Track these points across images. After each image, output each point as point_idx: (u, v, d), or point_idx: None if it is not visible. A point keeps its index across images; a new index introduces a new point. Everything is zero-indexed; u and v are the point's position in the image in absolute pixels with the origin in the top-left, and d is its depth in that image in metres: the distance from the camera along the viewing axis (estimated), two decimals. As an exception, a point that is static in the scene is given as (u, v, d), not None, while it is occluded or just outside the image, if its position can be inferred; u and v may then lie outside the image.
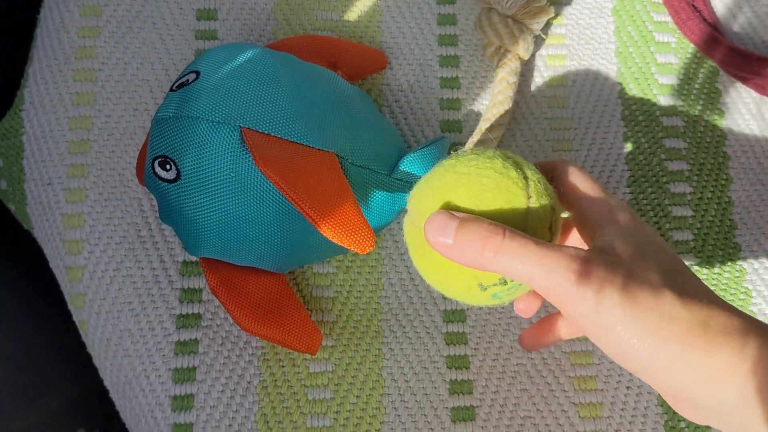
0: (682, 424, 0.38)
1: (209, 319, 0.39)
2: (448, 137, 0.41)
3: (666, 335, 0.24)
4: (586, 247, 0.28)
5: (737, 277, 0.41)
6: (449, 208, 0.27)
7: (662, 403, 0.39)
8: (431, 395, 0.38)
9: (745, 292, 0.40)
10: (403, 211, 0.41)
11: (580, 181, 0.30)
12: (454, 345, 0.39)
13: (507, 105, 0.41)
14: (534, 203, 0.28)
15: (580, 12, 0.45)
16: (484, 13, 0.42)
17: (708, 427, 0.38)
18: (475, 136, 0.40)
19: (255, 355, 0.38)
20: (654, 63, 0.45)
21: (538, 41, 0.45)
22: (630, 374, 0.39)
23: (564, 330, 0.33)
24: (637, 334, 0.25)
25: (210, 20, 0.44)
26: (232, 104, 0.34)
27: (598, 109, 0.44)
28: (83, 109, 0.41)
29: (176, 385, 0.38)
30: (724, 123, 0.44)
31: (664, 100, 0.44)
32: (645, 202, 0.42)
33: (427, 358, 0.39)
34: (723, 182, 0.43)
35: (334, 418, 0.38)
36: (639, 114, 0.44)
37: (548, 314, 0.34)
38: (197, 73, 0.35)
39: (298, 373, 0.38)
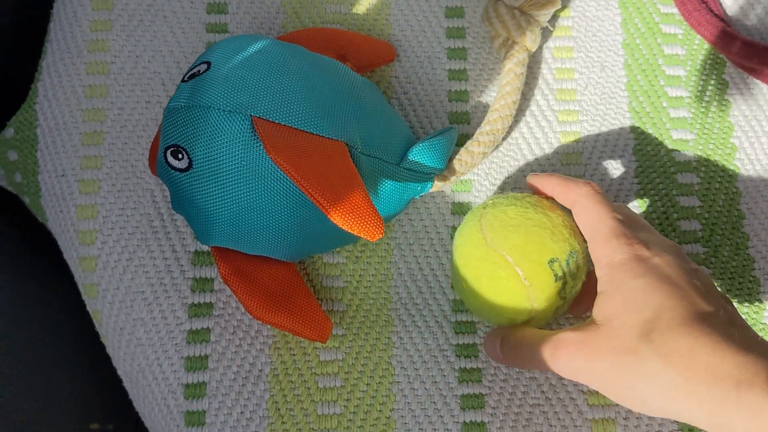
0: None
1: (221, 308, 0.39)
2: (456, 128, 0.41)
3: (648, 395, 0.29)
4: None
5: (745, 266, 0.41)
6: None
7: (671, 391, 0.39)
8: (440, 383, 0.39)
9: (753, 281, 0.41)
10: (411, 201, 0.41)
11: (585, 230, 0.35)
12: (463, 334, 0.40)
13: (514, 96, 0.41)
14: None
15: (587, 4, 0.46)
16: (491, 5, 0.42)
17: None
18: (484, 127, 0.40)
19: (266, 344, 0.39)
20: (661, 54, 0.45)
21: (545, 33, 0.45)
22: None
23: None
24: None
25: (220, 14, 0.44)
26: (243, 94, 0.34)
27: (605, 101, 0.44)
28: (96, 102, 0.42)
29: (188, 373, 0.38)
30: (731, 114, 0.44)
31: (671, 91, 0.44)
32: (653, 192, 0.42)
33: (436, 346, 0.39)
34: (730, 173, 0.43)
35: (345, 406, 0.38)
36: (646, 105, 0.44)
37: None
38: (208, 63, 0.36)
39: (309, 361, 0.39)
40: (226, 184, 0.34)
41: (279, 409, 0.38)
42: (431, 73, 0.44)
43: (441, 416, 0.38)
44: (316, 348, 0.39)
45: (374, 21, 0.45)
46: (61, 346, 0.47)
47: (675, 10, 0.46)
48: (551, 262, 0.34)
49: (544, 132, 0.43)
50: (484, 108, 0.43)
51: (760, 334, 0.40)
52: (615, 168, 0.43)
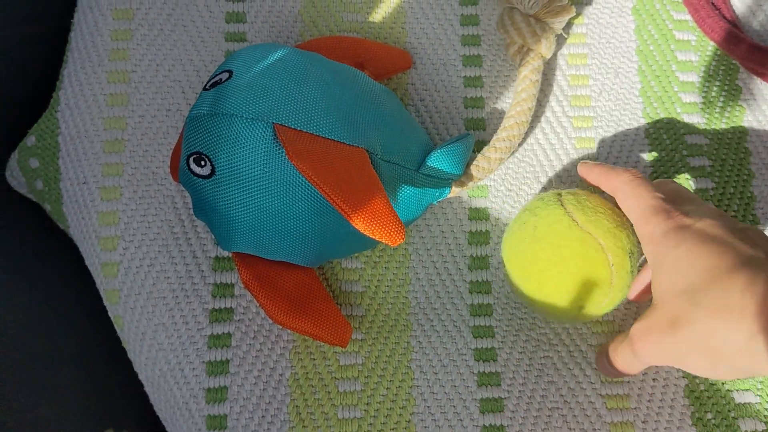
0: (709, 416, 0.39)
1: (241, 314, 0.40)
2: (473, 134, 0.42)
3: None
4: None
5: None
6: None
7: (689, 395, 0.39)
8: (459, 387, 0.39)
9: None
10: (429, 206, 0.41)
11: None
12: (482, 338, 0.40)
13: (530, 103, 0.42)
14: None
15: (601, 11, 0.46)
16: (506, 13, 0.43)
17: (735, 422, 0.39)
18: (501, 133, 0.41)
19: (287, 349, 0.39)
20: (675, 61, 0.45)
21: (560, 40, 0.45)
22: (657, 365, 0.39)
23: None
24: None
25: (239, 23, 0.45)
26: (265, 101, 0.35)
27: (619, 107, 0.44)
28: (117, 110, 0.43)
29: (210, 378, 0.39)
30: (745, 119, 0.44)
31: (685, 97, 0.44)
32: (668, 196, 0.42)
33: (455, 350, 0.40)
34: (745, 177, 0.43)
35: (365, 410, 0.38)
36: (660, 111, 0.44)
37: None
38: (230, 72, 0.36)
39: (329, 365, 0.39)
40: (249, 190, 0.35)
41: (300, 414, 0.38)
42: (447, 80, 0.44)
43: (461, 419, 0.38)
44: (336, 353, 0.39)
45: (390, 29, 0.45)
46: (77, 351, 0.48)
47: (688, 17, 0.46)
48: (631, 254, 0.34)
49: (560, 138, 0.44)
50: (500, 114, 0.44)
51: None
52: (630, 173, 0.43)
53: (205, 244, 0.41)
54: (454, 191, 0.40)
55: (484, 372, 0.39)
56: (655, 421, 0.38)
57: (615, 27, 0.46)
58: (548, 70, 0.45)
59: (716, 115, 0.44)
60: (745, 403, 0.39)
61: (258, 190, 0.35)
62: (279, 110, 0.35)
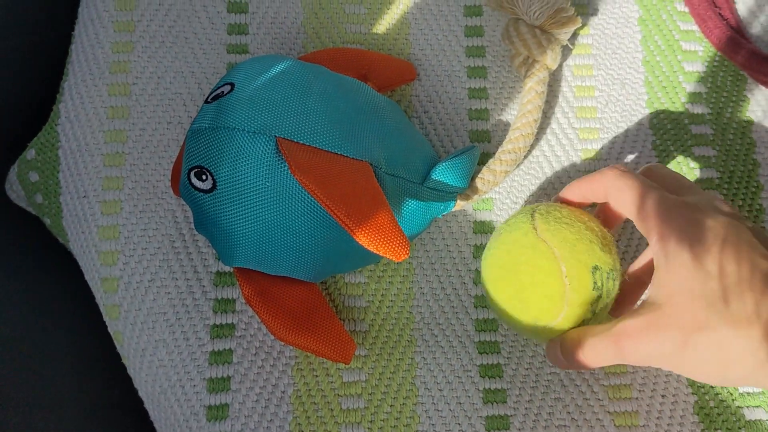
0: (720, 433, 0.38)
1: (243, 329, 0.39)
2: (478, 147, 0.41)
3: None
4: None
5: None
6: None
7: (698, 412, 0.38)
8: (465, 404, 0.38)
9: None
10: (433, 220, 0.41)
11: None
12: (487, 354, 0.39)
13: (535, 115, 0.41)
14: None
15: (607, 22, 0.46)
16: (511, 24, 0.42)
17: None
18: (506, 146, 0.40)
19: (289, 365, 0.39)
20: (681, 71, 0.45)
21: (565, 51, 0.45)
22: (665, 382, 0.39)
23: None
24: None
25: (241, 34, 0.44)
26: (268, 115, 0.34)
27: (625, 118, 0.44)
28: (118, 123, 0.42)
29: (211, 395, 0.38)
30: (753, 130, 0.44)
31: (692, 108, 0.44)
32: (676, 209, 0.42)
33: (460, 367, 0.39)
34: (753, 190, 0.42)
35: (369, 428, 0.38)
36: (667, 122, 0.44)
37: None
38: (232, 84, 0.36)
39: (332, 382, 0.38)
40: (251, 204, 0.34)
41: (303, 431, 0.37)
42: (451, 92, 0.44)
43: (466, 438, 0.38)
44: (339, 369, 0.39)
45: (394, 40, 0.45)
46: (77, 366, 0.47)
47: (695, 27, 0.45)
48: (595, 269, 0.32)
49: (565, 150, 0.43)
50: (505, 126, 0.43)
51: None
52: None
53: (206, 259, 0.40)
54: (459, 204, 0.40)
55: (489, 389, 0.38)
56: (666, 431, 0.38)
57: (621, 37, 0.45)
58: (554, 82, 0.44)
59: (723, 127, 0.44)
60: (755, 420, 0.38)
61: (260, 205, 0.34)
62: (281, 124, 0.34)
